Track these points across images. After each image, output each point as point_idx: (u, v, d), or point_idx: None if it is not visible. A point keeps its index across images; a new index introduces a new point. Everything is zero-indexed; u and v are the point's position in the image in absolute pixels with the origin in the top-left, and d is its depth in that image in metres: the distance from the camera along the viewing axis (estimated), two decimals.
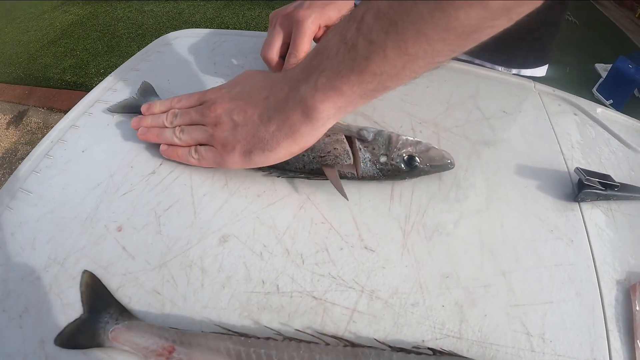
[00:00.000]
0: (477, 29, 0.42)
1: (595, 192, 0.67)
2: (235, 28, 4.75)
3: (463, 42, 0.44)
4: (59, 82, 4.34)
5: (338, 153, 0.63)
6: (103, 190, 0.64)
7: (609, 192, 0.67)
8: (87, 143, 0.73)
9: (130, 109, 0.76)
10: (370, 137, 0.64)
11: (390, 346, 0.46)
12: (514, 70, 1.06)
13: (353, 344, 0.45)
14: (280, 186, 0.64)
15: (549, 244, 0.61)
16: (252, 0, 5.45)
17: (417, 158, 0.62)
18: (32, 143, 3.73)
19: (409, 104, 0.79)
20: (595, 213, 0.67)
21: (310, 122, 0.54)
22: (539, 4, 0.41)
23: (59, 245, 0.58)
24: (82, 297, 0.52)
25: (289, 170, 0.64)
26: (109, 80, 0.87)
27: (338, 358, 0.43)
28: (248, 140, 0.58)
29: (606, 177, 0.68)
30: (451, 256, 0.57)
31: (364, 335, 0.49)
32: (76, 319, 0.50)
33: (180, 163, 0.67)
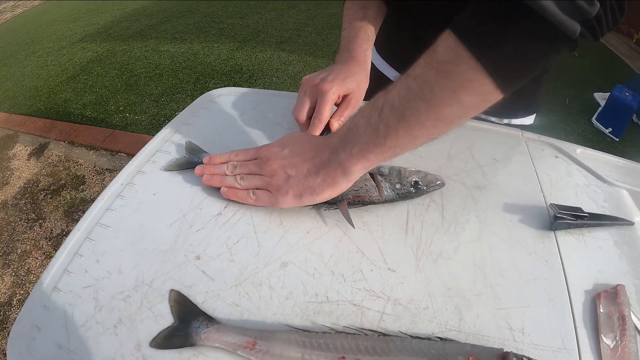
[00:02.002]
0: (458, 118, 0.63)
1: (567, 222, 0.78)
2: (248, 69, 4.86)
3: (449, 126, 0.65)
4: (79, 117, 4.41)
5: (368, 187, 0.81)
6: (178, 227, 0.78)
7: (579, 222, 0.79)
8: (155, 187, 0.87)
9: (184, 165, 0.91)
10: (386, 171, 0.83)
11: (410, 335, 0.61)
12: (505, 120, 1.17)
13: (384, 334, 0.61)
14: (323, 225, 0.79)
15: (527, 264, 0.74)
16: (264, 43, 5.52)
17: (420, 182, 0.81)
18: (54, 175, 3.82)
19: (418, 157, 0.94)
20: (568, 239, 0.79)
21: (346, 177, 0.73)
22: (500, 97, 0.59)
23: (144, 271, 0.71)
24: (172, 309, 0.65)
25: (332, 203, 0.81)
26: (165, 132, 1.01)
27: (374, 343, 0.59)
28: (299, 187, 0.75)
29: (577, 209, 0.80)
30: (451, 274, 0.71)
31: (390, 329, 0.63)
32: (169, 326, 0.63)
33: (240, 205, 0.82)
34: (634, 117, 4.25)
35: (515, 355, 0.57)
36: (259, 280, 0.70)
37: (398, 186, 0.82)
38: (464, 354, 0.58)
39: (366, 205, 0.83)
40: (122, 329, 0.63)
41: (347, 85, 0.91)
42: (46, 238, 3.32)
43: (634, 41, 6.20)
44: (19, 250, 3.25)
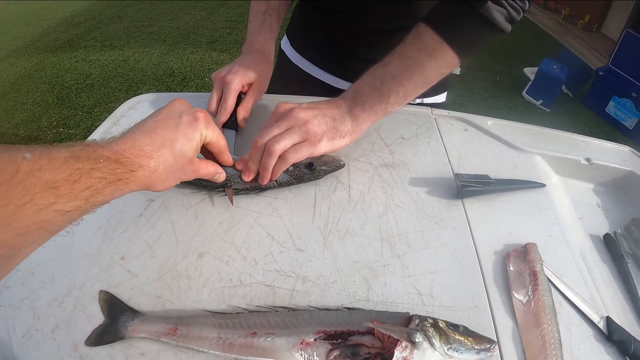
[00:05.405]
0: (437, 79, 0.88)
1: (472, 190, 0.83)
2: (180, 72, 4.78)
3: (430, 85, 0.88)
4: (13, 136, 4.23)
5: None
6: (103, 232, 0.80)
7: (485, 188, 0.83)
8: None
9: None
10: None
11: (319, 308, 0.66)
12: (418, 100, 1.22)
13: (294, 309, 0.66)
14: (235, 215, 0.83)
15: (434, 232, 0.79)
16: (195, 44, 5.43)
17: (314, 163, 0.85)
18: None
19: None
20: (476, 205, 0.84)
21: (358, 128, 0.89)
22: (459, 64, 0.87)
23: (75, 276, 0.73)
24: (102, 309, 0.68)
25: (222, 188, 0.85)
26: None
27: (284, 318, 0.63)
28: (332, 132, 0.85)
29: (483, 176, 0.84)
30: (358, 248, 0.76)
31: (301, 304, 0.68)
32: (100, 324, 0.66)
33: (159, 205, 0.84)
34: (563, 88, 4.45)
35: (419, 316, 0.62)
36: (178, 272, 0.73)
37: (291, 168, 0.85)
38: (369, 320, 0.62)
39: (263, 190, 0.86)
40: (60, 333, 0.66)
41: (249, 75, 0.98)
42: None
43: (561, 17, 6.56)
44: None
